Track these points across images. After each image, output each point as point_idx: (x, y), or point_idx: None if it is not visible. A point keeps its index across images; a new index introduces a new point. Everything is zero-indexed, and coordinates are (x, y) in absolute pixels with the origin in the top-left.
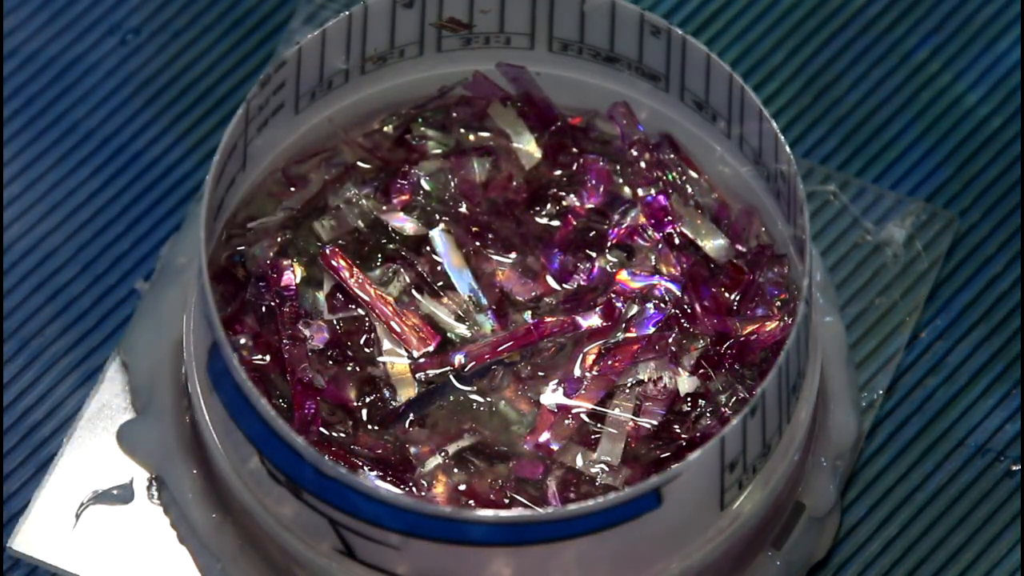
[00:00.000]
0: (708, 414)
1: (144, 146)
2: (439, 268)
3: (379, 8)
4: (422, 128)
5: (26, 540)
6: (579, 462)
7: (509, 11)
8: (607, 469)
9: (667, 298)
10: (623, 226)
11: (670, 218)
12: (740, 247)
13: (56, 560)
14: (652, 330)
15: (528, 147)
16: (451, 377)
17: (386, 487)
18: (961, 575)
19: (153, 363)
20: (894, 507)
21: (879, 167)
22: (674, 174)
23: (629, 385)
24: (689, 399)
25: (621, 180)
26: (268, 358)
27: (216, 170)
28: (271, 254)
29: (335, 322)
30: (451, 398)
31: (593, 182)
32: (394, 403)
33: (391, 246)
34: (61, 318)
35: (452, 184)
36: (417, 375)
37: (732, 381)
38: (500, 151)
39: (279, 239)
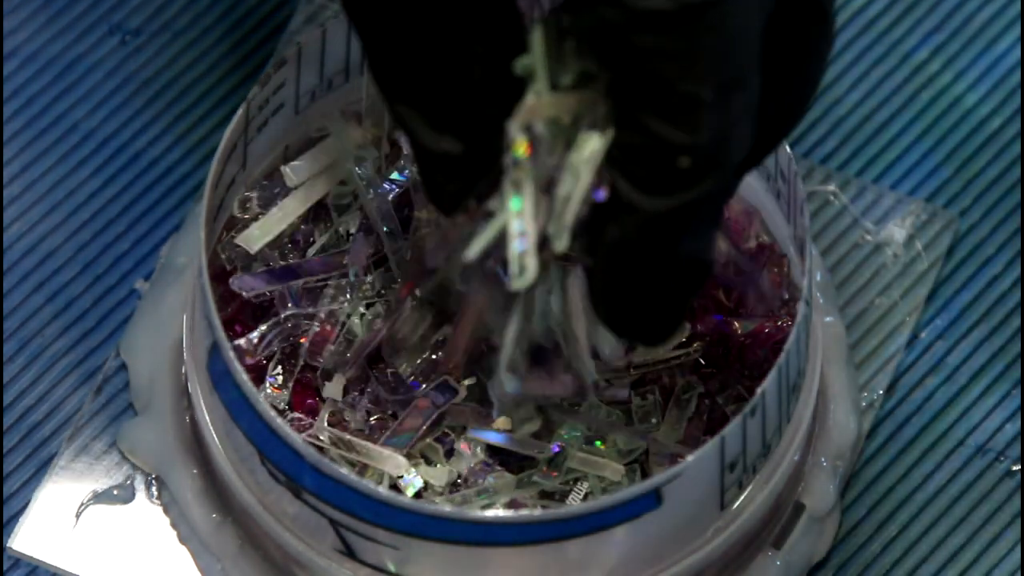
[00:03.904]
0: (708, 413)
1: (144, 146)
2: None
3: None
4: None
5: (26, 540)
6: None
7: None
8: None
9: None
10: None
11: None
12: (740, 247)
13: (56, 560)
14: None
15: None
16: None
17: (386, 489)
18: (961, 575)
19: (153, 363)
20: (894, 507)
21: (879, 167)
22: None
23: None
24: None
25: None
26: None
27: (216, 170)
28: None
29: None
30: None
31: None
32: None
33: None
34: (61, 318)
35: None
36: None
37: (732, 381)
38: None
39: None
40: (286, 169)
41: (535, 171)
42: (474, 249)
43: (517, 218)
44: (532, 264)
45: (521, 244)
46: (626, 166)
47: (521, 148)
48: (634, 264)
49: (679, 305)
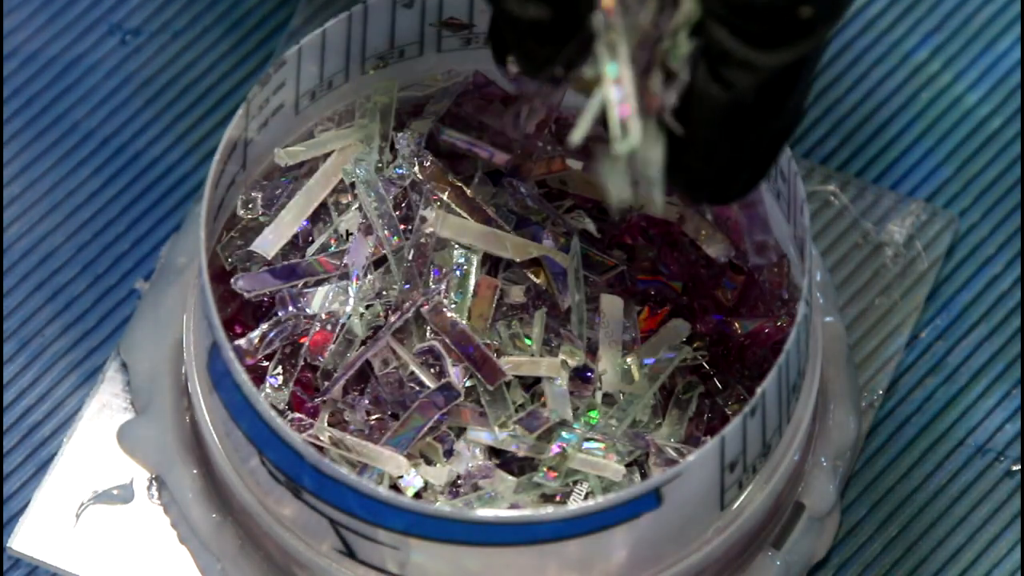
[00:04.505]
0: (708, 414)
1: (144, 146)
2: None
3: (379, 8)
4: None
5: (26, 540)
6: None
7: None
8: None
9: (668, 297)
10: (623, 226)
11: None
12: (740, 247)
13: (56, 560)
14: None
15: None
16: None
17: (386, 489)
18: (961, 575)
19: (153, 363)
20: (894, 507)
21: (879, 167)
22: None
23: None
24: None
25: None
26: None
27: (216, 170)
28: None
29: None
30: None
31: None
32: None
33: None
34: (61, 318)
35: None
36: None
37: (732, 381)
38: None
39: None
40: (280, 151)
41: (628, 30)
42: (579, 133)
43: (615, 84)
44: (636, 127)
45: (623, 110)
46: (737, 24)
47: (611, 5)
48: (743, 124)
49: (773, 158)
